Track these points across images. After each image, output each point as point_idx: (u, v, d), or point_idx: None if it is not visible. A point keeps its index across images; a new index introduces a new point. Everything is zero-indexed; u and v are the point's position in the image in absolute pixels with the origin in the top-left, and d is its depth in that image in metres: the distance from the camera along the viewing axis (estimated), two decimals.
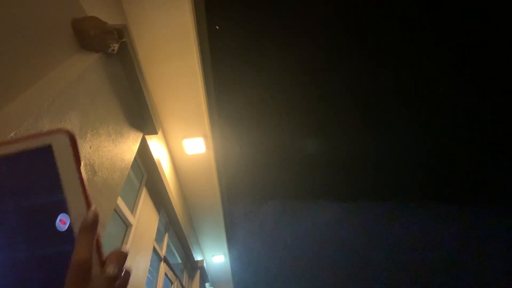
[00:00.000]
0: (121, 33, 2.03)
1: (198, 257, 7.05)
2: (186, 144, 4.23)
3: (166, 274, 4.57)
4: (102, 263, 0.37)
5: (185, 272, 6.29)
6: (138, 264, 3.09)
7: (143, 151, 3.33)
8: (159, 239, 4.38)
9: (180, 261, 5.99)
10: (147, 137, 3.19)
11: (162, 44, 3.07)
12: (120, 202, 2.69)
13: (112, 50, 1.99)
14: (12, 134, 1.14)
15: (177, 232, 5.15)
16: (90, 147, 1.74)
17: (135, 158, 3.32)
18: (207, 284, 8.58)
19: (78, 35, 1.83)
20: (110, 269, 0.36)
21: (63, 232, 0.36)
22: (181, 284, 5.73)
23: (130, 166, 2.47)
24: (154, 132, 2.93)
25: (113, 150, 2.10)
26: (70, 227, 0.37)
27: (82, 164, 0.38)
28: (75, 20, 1.82)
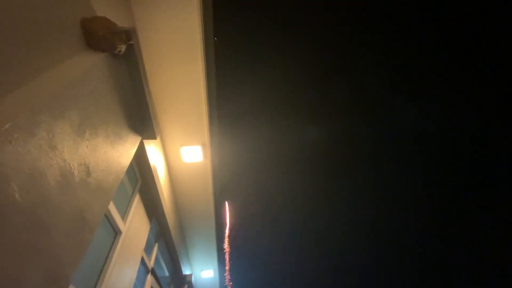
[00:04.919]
0: (129, 35, 2.03)
1: (186, 271, 6.76)
2: (184, 152, 4.17)
3: (152, 287, 4.34)
4: None
5: (172, 286, 6.00)
6: (124, 274, 2.92)
7: (140, 156, 3.25)
8: (148, 249, 4.20)
9: (167, 274, 5.73)
10: (144, 142, 3.14)
11: (168, 50, 3.09)
12: (112, 208, 2.58)
13: (119, 51, 1.98)
14: (7, 126, 1.09)
15: (168, 243, 4.96)
16: (87, 147, 1.68)
17: (130, 163, 3.23)
18: None
19: (86, 34, 1.82)
20: None
21: None
22: None
23: (125, 170, 2.39)
24: (153, 137, 2.88)
25: (110, 152, 2.03)
26: None
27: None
28: (84, 19, 1.82)
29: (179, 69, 3.29)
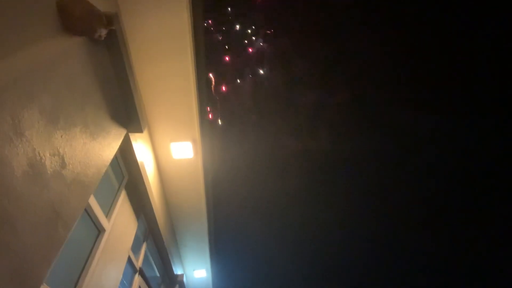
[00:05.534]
0: (110, 20, 1.91)
1: (178, 271, 6.61)
2: (173, 148, 4.04)
3: None
4: None
5: (162, 287, 5.85)
6: (109, 274, 2.79)
7: (126, 151, 3.12)
8: (135, 248, 4.05)
9: (157, 274, 5.59)
10: (131, 136, 3.00)
11: (155, 40, 2.97)
12: (94, 204, 2.45)
13: (98, 36, 1.86)
14: None
15: (157, 241, 4.82)
16: (62, 136, 1.56)
17: (115, 157, 3.10)
18: None
19: (63, 15, 1.69)
20: None
21: None
22: None
23: (108, 164, 2.27)
24: (139, 130, 2.76)
25: (89, 143, 1.91)
26: None
27: None
28: None
29: (168, 61, 3.17)
